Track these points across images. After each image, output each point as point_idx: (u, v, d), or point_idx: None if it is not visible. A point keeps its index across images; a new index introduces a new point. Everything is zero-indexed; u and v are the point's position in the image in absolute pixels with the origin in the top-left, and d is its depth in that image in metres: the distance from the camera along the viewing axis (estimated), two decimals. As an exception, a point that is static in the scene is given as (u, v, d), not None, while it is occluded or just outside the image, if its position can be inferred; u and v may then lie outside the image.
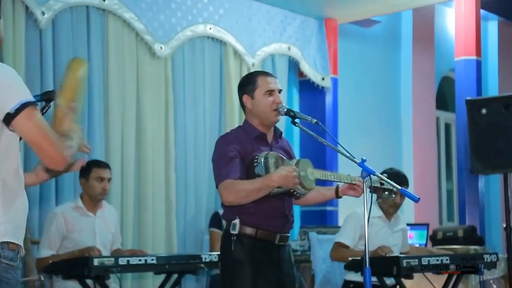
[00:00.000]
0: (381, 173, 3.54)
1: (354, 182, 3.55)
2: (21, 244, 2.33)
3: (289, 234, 3.58)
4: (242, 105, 3.59)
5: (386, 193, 3.41)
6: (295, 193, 3.47)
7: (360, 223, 4.76)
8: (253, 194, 3.34)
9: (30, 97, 2.26)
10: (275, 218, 3.48)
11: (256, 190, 3.33)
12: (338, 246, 4.88)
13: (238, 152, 3.42)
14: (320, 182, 3.69)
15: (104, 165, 4.89)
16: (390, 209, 4.97)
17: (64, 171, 2.52)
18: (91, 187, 4.78)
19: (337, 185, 3.65)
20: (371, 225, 4.72)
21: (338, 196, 3.67)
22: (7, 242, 2.27)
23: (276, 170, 3.33)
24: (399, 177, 4.73)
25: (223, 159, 3.41)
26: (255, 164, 3.37)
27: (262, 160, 3.36)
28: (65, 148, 2.27)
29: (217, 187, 3.44)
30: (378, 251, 4.62)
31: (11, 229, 2.28)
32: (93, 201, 4.82)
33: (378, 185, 3.61)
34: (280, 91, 3.56)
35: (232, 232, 3.44)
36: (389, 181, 3.35)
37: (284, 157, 3.48)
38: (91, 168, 4.80)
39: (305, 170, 3.48)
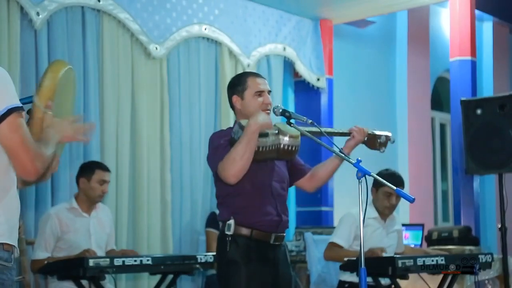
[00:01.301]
0: (377, 174, 3.54)
1: (346, 132, 3.61)
2: (16, 244, 2.33)
3: (284, 234, 3.57)
4: (232, 105, 3.59)
5: (379, 140, 3.44)
6: (288, 148, 3.37)
7: (355, 224, 4.77)
8: (245, 151, 3.28)
9: (17, 102, 2.25)
10: (269, 218, 3.48)
11: (244, 145, 3.28)
12: (332, 246, 4.88)
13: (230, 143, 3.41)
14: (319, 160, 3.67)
15: (106, 168, 4.89)
16: (385, 210, 4.98)
17: (34, 182, 2.47)
18: (91, 188, 4.77)
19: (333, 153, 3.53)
20: (366, 225, 4.73)
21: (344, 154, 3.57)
22: (2, 243, 2.27)
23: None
24: (394, 178, 4.74)
25: (217, 149, 3.40)
26: (232, 135, 3.36)
27: (237, 127, 3.36)
28: (40, 158, 2.26)
29: (217, 175, 3.40)
30: (369, 253, 4.60)
31: (6, 230, 2.28)
32: (89, 202, 4.80)
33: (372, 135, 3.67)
34: (269, 92, 3.56)
35: (227, 232, 3.44)
36: (384, 181, 3.35)
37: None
38: (94, 169, 4.80)
39: (285, 127, 3.41)
